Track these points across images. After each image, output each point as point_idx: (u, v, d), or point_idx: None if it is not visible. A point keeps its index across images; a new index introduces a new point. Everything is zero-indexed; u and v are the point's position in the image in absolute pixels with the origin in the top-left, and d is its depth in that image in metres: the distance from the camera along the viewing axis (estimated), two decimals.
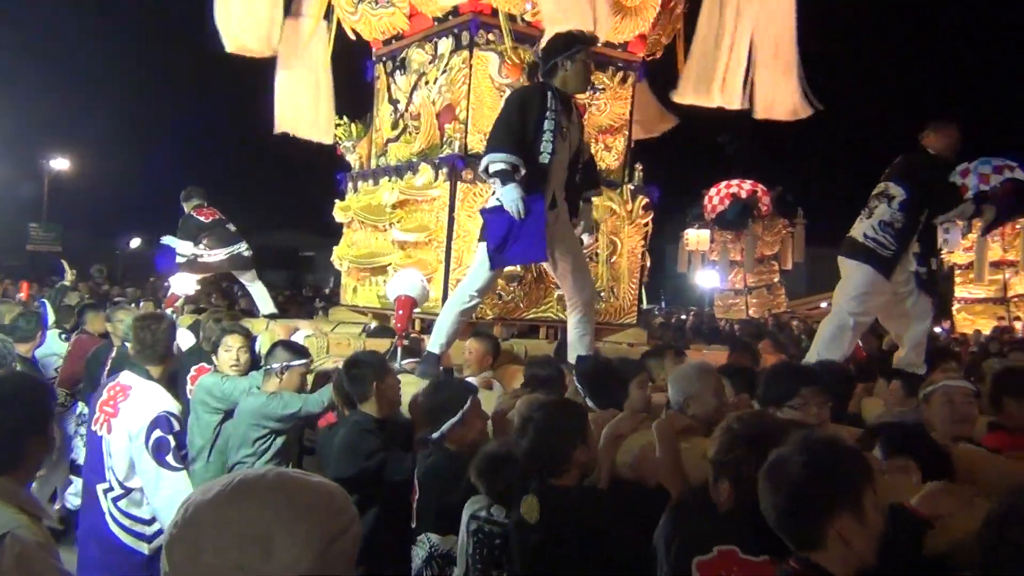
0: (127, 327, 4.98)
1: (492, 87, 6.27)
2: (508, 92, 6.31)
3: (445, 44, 6.45)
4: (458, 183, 6.06)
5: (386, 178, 6.77)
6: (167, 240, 8.30)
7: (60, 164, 33.40)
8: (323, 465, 4.22)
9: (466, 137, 6.17)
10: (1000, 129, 19.85)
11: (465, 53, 6.23)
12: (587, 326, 5.00)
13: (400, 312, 4.98)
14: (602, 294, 6.54)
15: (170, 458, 3.87)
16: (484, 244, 4.91)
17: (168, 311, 8.13)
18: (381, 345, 5.23)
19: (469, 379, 4.32)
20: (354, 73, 7.59)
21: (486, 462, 3.04)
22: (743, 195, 19.40)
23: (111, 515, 3.99)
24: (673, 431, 2.97)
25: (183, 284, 8.22)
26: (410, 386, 4.16)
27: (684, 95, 6.47)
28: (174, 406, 4.06)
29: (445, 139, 6.32)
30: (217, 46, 7.14)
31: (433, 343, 4.88)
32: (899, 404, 4.47)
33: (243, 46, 7.15)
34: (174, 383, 6.22)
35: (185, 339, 6.40)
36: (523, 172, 4.67)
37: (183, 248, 8.21)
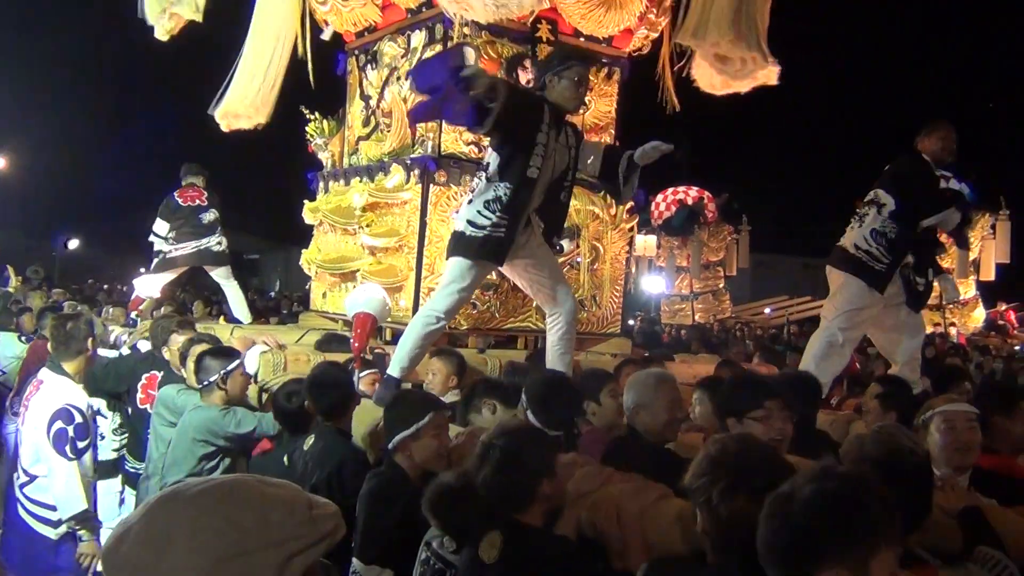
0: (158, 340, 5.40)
1: None
2: None
3: (418, 37, 6.09)
4: (431, 186, 5.71)
5: (357, 178, 6.42)
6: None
7: None
8: None
9: (440, 137, 5.82)
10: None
11: (439, 47, 5.87)
12: (567, 343, 4.64)
13: (358, 331, 4.59)
14: (584, 303, 6.20)
15: (67, 448, 4.12)
16: (454, 260, 4.56)
17: (132, 315, 7.77)
18: (335, 359, 4.88)
19: None
20: (327, 67, 7.21)
21: (439, 495, 2.68)
22: (689, 201, 19.67)
23: (20, 502, 4.24)
24: None
25: (147, 285, 7.81)
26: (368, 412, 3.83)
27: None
28: (81, 400, 4.30)
29: (417, 138, 5.97)
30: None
31: (393, 365, 4.48)
32: (877, 421, 4.14)
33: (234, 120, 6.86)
34: (126, 390, 5.96)
35: (146, 346, 6.06)
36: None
37: (158, 228, 7.84)
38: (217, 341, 5.01)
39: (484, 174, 4.52)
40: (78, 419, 4.17)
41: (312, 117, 7.10)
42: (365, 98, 6.61)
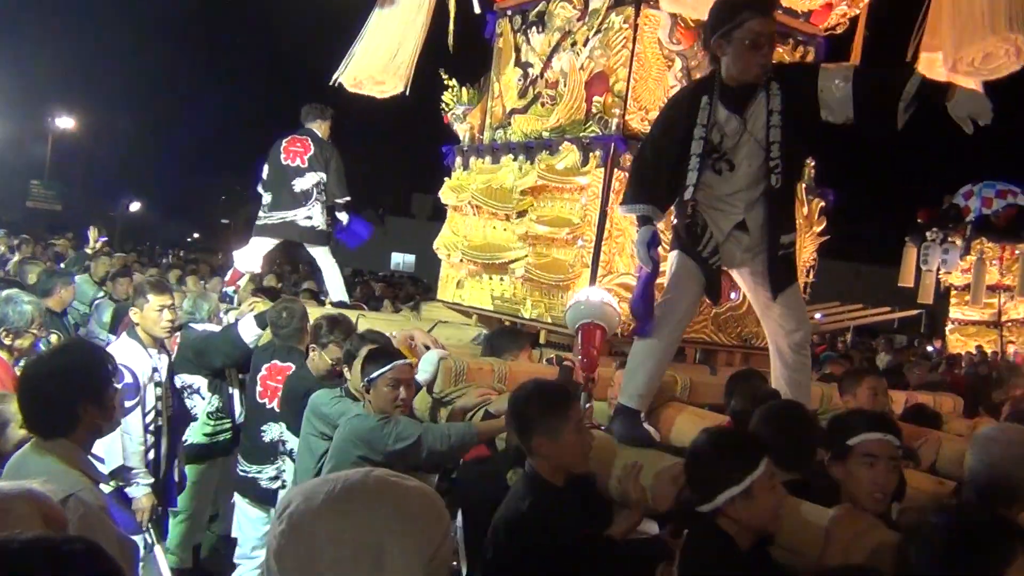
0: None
1: (659, 54, 5.11)
2: (678, 62, 5.20)
3: None
4: (615, 170, 4.92)
5: (510, 156, 5.64)
6: None
7: (65, 123, 33.08)
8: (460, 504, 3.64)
9: (624, 113, 5.03)
10: (1006, 153, 18.87)
11: (629, 10, 5.06)
12: (800, 373, 3.82)
13: (588, 347, 3.75)
14: None
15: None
16: (675, 253, 3.79)
17: (229, 290, 7.03)
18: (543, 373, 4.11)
19: None
20: (468, 28, 6.41)
21: None
22: None
23: None
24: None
25: (246, 258, 7.01)
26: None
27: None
28: (138, 363, 4.41)
29: (594, 114, 5.17)
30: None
31: (626, 392, 3.57)
32: None
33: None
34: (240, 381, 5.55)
35: (248, 330, 5.34)
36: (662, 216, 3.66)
37: (261, 184, 7.09)
38: (385, 340, 4.26)
39: None
40: (127, 379, 4.20)
41: (451, 84, 6.32)
42: (523, 65, 5.81)
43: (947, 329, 16.72)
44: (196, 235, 47.61)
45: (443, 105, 6.38)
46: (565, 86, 5.36)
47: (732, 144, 3.45)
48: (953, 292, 16.11)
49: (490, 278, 5.70)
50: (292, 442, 4.67)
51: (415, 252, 41.45)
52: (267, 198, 7.01)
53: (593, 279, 4.92)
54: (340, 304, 7.11)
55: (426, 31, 6.24)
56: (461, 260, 5.76)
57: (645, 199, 3.56)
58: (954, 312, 16.42)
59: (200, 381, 5.51)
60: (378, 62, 6.14)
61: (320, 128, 7.15)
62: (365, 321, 5.71)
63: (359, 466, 3.47)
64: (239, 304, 6.67)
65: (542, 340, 5.31)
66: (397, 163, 47.04)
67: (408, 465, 3.80)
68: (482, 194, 5.59)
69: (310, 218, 7.09)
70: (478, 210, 5.79)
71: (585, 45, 5.28)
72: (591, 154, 4.99)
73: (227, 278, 7.07)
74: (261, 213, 7.03)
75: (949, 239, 13.64)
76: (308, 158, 6.95)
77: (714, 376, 4.89)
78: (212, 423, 5.54)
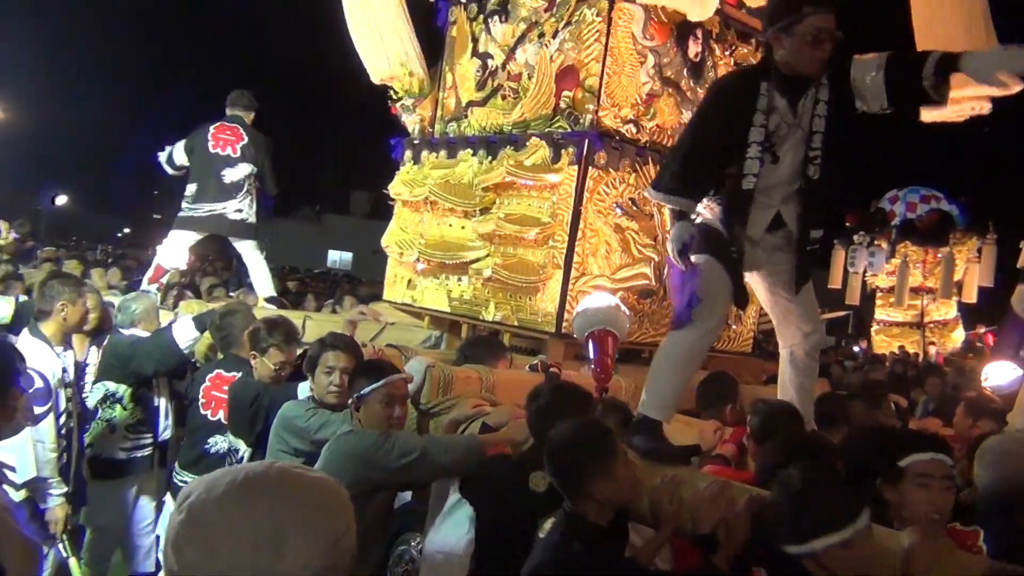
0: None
1: (632, 49, 4.95)
2: (651, 58, 5.06)
3: None
4: (589, 168, 4.74)
5: (467, 150, 5.38)
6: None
7: None
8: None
9: (598, 110, 4.85)
10: (930, 158, 19.89)
11: (603, 3, 4.89)
12: (809, 379, 3.70)
13: (603, 355, 3.50)
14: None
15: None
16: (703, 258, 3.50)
17: (151, 288, 6.48)
18: (520, 382, 3.87)
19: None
20: (416, 15, 6.11)
21: None
22: None
23: None
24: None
25: (171, 254, 6.46)
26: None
27: None
28: (47, 365, 4.12)
29: (563, 109, 4.97)
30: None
31: (649, 402, 3.23)
32: None
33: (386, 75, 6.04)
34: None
35: (184, 333, 4.88)
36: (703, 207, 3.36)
37: (177, 155, 6.60)
38: (348, 342, 3.91)
39: None
40: (37, 383, 3.97)
41: (404, 71, 6.00)
42: (482, 56, 5.55)
43: (872, 330, 17.12)
44: (127, 230, 45.73)
45: (390, 94, 6.05)
46: (531, 79, 5.14)
47: (782, 134, 3.27)
48: (879, 294, 16.49)
49: (446, 278, 5.43)
50: (244, 452, 4.30)
51: (352, 250, 40.82)
52: (191, 188, 6.51)
53: (566, 281, 4.72)
54: (271, 300, 6.69)
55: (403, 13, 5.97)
56: (417, 259, 5.46)
57: (689, 192, 3.26)
58: (879, 313, 16.82)
59: (121, 387, 5.01)
60: (377, 53, 5.92)
61: (247, 118, 6.71)
62: (313, 324, 5.34)
63: (357, 488, 3.19)
64: (175, 306, 6.16)
65: (505, 343, 5.08)
66: (334, 159, 45.95)
67: (412, 481, 3.54)
68: (440, 189, 5.31)
69: (240, 211, 6.64)
70: (432, 206, 5.51)
71: (554, 37, 5.07)
72: (563, 151, 4.79)
73: (149, 275, 6.49)
74: (185, 204, 6.52)
75: (875, 242, 14.02)
76: (240, 147, 6.50)
77: None
78: (131, 437, 5.05)
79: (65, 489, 4.10)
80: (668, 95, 5.13)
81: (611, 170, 4.80)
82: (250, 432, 4.07)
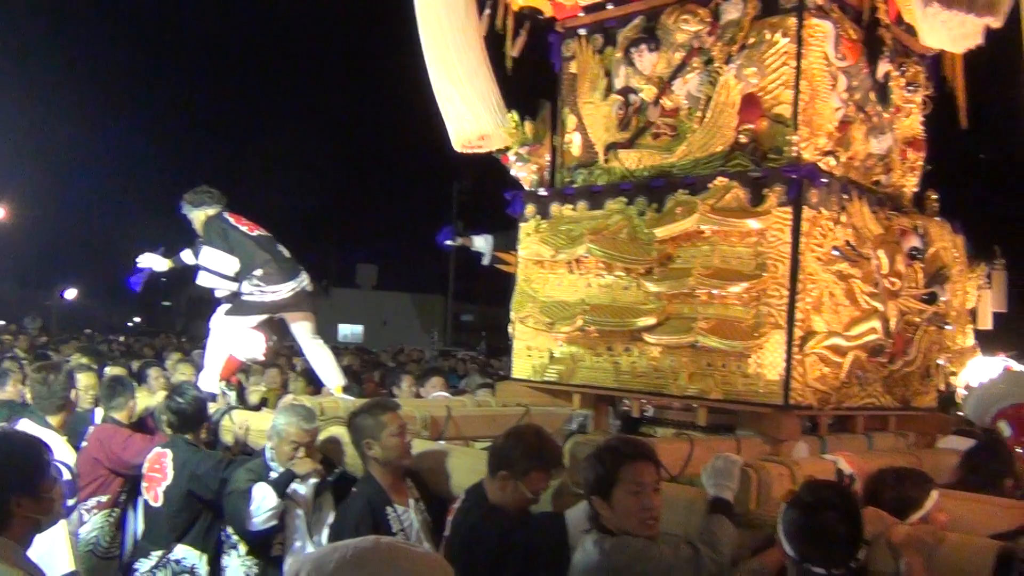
0: None
1: (824, 70, 4.34)
2: (842, 79, 4.46)
3: (736, 8, 4.45)
4: (803, 208, 4.06)
5: (619, 199, 4.64)
6: (202, 257, 5.76)
7: None
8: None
9: (800, 142, 4.18)
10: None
11: (790, 21, 4.27)
12: None
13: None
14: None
15: None
16: None
17: (221, 384, 5.48)
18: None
19: None
20: (518, 54, 5.40)
21: None
22: None
23: None
24: None
25: (247, 343, 5.46)
26: None
27: None
28: (68, 456, 4.21)
29: (743, 143, 4.31)
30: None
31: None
32: None
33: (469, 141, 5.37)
34: None
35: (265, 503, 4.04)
36: None
37: (226, 265, 5.65)
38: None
39: None
40: (66, 476, 3.91)
41: (512, 119, 5.26)
42: (623, 91, 4.85)
43: None
44: (137, 319, 45.06)
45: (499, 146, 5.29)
46: (702, 111, 4.46)
47: None
48: None
49: (607, 348, 4.63)
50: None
51: (362, 323, 40.18)
52: (259, 272, 5.59)
53: (790, 342, 4.00)
54: (347, 389, 5.83)
55: (483, 53, 5.21)
56: (582, 328, 4.63)
57: None
58: None
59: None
60: (460, 112, 5.18)
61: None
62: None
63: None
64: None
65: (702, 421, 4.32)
66: (338, 234, 44.68)
67: None
68: (600, 245, 4.54)
69: (307, 280, 5.89)
70: (578, 264, 4.74)
71: (728, 63, 4.42)
72: (766, 190, 4.10)
73: (216, 370, 5.45)
74: (254, 289, 5.56)
75: None
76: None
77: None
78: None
79: None
80: (860, 122, 4.53)
81: (822, 210, 4.13)
82: None
